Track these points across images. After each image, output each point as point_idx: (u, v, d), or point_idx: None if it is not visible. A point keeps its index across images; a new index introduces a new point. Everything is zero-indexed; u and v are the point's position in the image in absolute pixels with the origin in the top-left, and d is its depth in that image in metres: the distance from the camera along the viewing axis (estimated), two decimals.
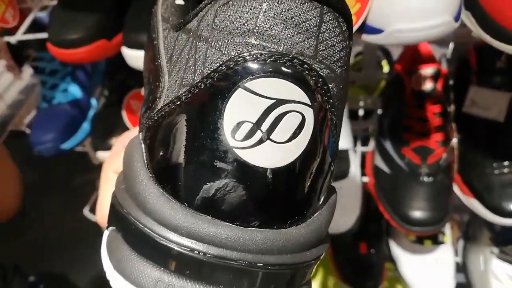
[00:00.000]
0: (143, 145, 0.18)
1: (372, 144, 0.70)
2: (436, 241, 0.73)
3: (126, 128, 0.60)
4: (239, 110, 0.15)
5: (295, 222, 0.17)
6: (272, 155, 0.15)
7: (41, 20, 0.65)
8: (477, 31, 0.37)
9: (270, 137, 0.15)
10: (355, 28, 0.37)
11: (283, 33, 0.15)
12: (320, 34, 0.15)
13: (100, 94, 0.68)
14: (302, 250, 0.17)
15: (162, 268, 0.16)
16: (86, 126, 0.67)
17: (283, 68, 0.15)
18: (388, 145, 0.60)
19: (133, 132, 0.27)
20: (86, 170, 1.06)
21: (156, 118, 0.18)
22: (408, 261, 0.73)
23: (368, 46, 0.72)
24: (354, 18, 0.37)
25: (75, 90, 0.67)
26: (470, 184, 0.55)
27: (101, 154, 0.60)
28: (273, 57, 0.15)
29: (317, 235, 0.17)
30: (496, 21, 0.35)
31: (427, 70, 0.57)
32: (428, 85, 0.57)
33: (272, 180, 0.15)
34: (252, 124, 0.15)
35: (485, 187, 0.54)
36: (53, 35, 0.45)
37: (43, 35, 0.56)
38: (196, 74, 0.16)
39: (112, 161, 0.25)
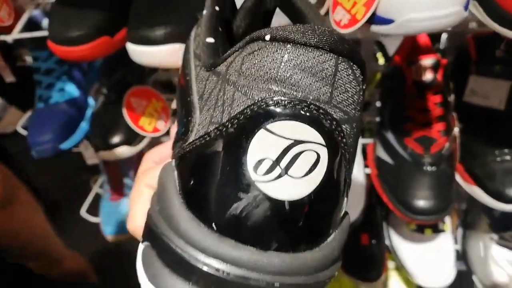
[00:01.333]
0: (175, 172, 0.21)
1: (370, 136, 0.70)
2: (436, 229, 0.74)
3: (127, 126, 0.59)
4: (261, 148, 0.17)
5: (310, 247, 0.19)
6: (289, 189, 0.17)
7: (36, 18, 0.63)
8: (485, 20, 0.37)
9: (288, 172, 0.17)
10: (364, 19, 0.37)
11: (301, 81, 0.17)
12: (335, 82, 0.18)
13: (98, 92, 0.67)
14: (316, 272, 0.19)
15: (191, 284, 0.18)
16: (84, 126, 0.66)
17: (301, 112, 0.17)
18: (390, 136, 0.61)
19: (161, 149, 0.30)
20: (80, 171, 1.05)
21: (188, 149, 0.20)
22: (409, 250, 0.74)
23: (365, 38, 0.72)
24: (363, 9, 0.37)
25: (71, 89, 0.66)
26: (472, 172, 0.56)
27: (103, 153, 0.59)
28: (292, 103, 0.17)
29: (330, 258, 0.19)
30: (504, 9, 0.35)
31: (427, 60, 0.57)
32: (428, 76, 0.57)
33: (289, 211, 0.17)
34: (272, 161, 0.17)
35: (487, 174, 0.54)
36: (55, 33, 0.44)
37: (41, 34, 0.54)
38: (224, 114, 0.18)
39: (145, 176, 0.27)
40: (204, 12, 0.27)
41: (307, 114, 0.17)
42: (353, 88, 0.18)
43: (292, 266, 0.18)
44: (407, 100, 0.59)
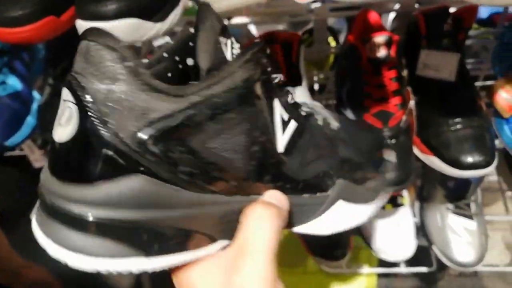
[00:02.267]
0: None
1: None
2: (395, 204, 0.76)
3: None
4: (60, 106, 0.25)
5: (74, 180, 0.23)
6: (59, 133, 0.23)
7: None
8: None
9: (59, 121, 0.24)
10: None
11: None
12: (88, 58, 0.23)
13: (44, 84, 0.63)
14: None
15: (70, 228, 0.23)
16: (31, 120, 0.62)
17: (66, 80, 0.23)
18: (349, 114, 0.62)
19: None
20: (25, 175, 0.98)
21: None
22: (370, 226, 0.76)
23: (317, 25, 0.73)
24: None
25: (14, 82, 0.61)
26: (429, 142, 0.58)
27: None
28: (68, 76, 0.24)
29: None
30: None
31: (380, 37, 0.58)
32: (382, 52, 0.59)
33: (58, 149, 0.23)
34: (58, 115, 0.24)
35: (442, 143, 0.57)
36: None
37: None
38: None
39: None
40: None
41: (67, 81, 0.23)
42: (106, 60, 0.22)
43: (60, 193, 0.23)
44: (364, 77, 0.60)
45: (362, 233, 0.78)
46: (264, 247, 0.24)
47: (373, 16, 0.64)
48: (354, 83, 0.62)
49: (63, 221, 0.23)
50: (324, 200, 0.30)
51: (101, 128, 0.22)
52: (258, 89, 0.25)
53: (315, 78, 0.79)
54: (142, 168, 0.22)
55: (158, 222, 0.24)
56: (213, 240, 0.27)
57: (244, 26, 0.99)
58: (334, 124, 0.33)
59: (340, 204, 0.31)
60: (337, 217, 0.31)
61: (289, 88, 0.30)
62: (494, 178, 0.85)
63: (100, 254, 0.23)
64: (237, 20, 1.03)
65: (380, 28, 0.62)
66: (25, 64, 0.65)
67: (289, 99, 0.29)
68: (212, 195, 0.25)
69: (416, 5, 0.71)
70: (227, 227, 0.27)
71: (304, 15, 0.71)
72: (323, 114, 0.33)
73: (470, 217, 0.72)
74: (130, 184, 0.22)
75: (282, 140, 0.27)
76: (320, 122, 0.32)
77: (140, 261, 0.23)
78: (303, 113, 0.30)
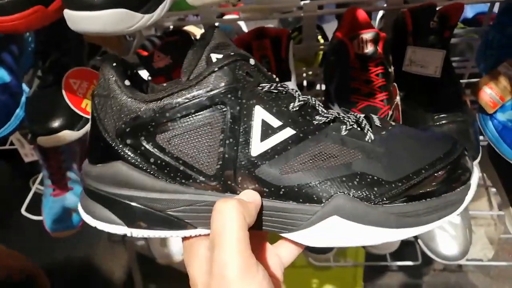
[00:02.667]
0: None
1: None
2: None
3: (67, 109, 0.56)
4: None
5: None
6: None
7: None
8: None
9: None
10: None
11: None
12: None
13: (33, 76, 0.62)
14: None
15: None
16: (20, 113, 0.61)
17: None
18: (336, 110, 0.63)
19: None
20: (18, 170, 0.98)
21: None
22: None
23: (307, 18, 0.74)
24: None
25: (2, 74, 0.61)
26: None
27: (43, 139, 0.55)
28: None
29: None
30: None
31: (368, 34, 0.59)
32: (369, 48, 0.60)
33: None
34: None
35: None
36: None
37: None
38: None
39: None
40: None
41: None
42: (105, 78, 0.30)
43: None
44: (351, 73, 0.61)
45: None
46: (230, 238, 0.25)
47: (361, 13, 0.65)
48: (342, 79, 0.63)
49: (89, 193, 0.31)
50: (313, 213, 0.29)
51: (99, 125, 0.29)
52: (228, 97, 0.27)
53: (304, 75, 0.79)
54: (122, 157, 0.28)
55: (132, 199, 0.29)
56: (191, 227, 0.30)
57: (234, 22, 1.00)
58: (369, 136, 0.30)
59: (335, 220, 0.29)
60: (329, 233, 0.29)
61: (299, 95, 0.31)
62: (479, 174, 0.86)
63: (100, 219, 0.30)
64: (228, 17, 1.03)
65: (368, 26, 0.63)
66: (14, 56, 0.64)
67: (292, 106, 0.30)
68: (182, 186, 0.29)
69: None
70: (204, 218, 0.29)
71: (293, 11, 0.72)
72: (357, 125, 0.32)
73: None
74: (113, 169, 0.29)
75: (259, 145, 0.28)
76: (343, 132, 0.30)
77: (123, 228, 0.30)
78: (320, 121, 0.30)
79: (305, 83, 0.79)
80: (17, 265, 0.62)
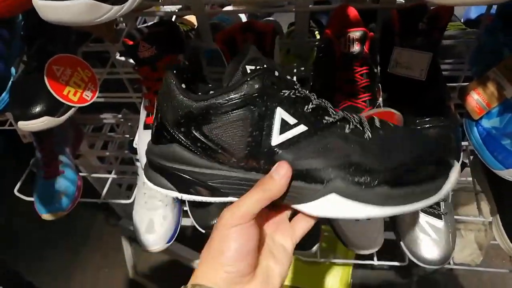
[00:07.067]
0: None
1: None
2: None
3: (49, 96, 0.56)
4: None
5: None
6: None
7: None
8: None
9: None
10: None
11: None
12: None
13: (20, 61, 0.63)
14: None
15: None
16: (6, 97, 0.62)
17: None
18: None
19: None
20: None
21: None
22: (342, 220, 0.77)
23: (299, 14, 0.73)
24: None
25: None
26: None
27: (22, 124, 0.56)
28: None
29: None
30: None
31: (355, 33, 0.58)
32: (356, 48, 0.59)
33: None
34: None
35: None
36: None
37: None
38: None
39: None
40: None
41: None
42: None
43: None
44: (336, 72, 0.60)
45: (332, 225, 0.79)
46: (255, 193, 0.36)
47: (351, 11, 0.63)
48: (327, 77, 0.62)
49: (151, 166, 0.40)
50: (316, 190, 0.37)
51: (163, 116, 0.38)
52: (256, 100, 0.35)
53: (295, 71, 0.79)
54: (177, 141, 0.37)
55: (183, 172, 0.38)
56: (224, 195, 0.39)
57: (235, 14, 0.99)
58: (367, 134, 0.38)
59: (333, 197, 0.36)
60: (329, 206, 0.37)
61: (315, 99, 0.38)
62: (468, 179, 0.85)
63: (159, 185, 0.39)
64: (228, 8, 1.03)
65: (358, 24, 0.62)
66: (4, 40, 0.65)
67: (306, 108, 0.37)
68: (219, 164, 0.37)
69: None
70: (234, 189, 0.38)
71: (285, 6, 0.71)
72: (359, 125, 0.39)
73: (438, 216, 0.72)
74: (170, 149, 0.38)
75: (278, 137, 0.36)
76: (347, 130, 0.38)
77: (175, 193, 0.39)
78: (329, 120, 0.37)
79: (295, 78, 0.79)
80: None
